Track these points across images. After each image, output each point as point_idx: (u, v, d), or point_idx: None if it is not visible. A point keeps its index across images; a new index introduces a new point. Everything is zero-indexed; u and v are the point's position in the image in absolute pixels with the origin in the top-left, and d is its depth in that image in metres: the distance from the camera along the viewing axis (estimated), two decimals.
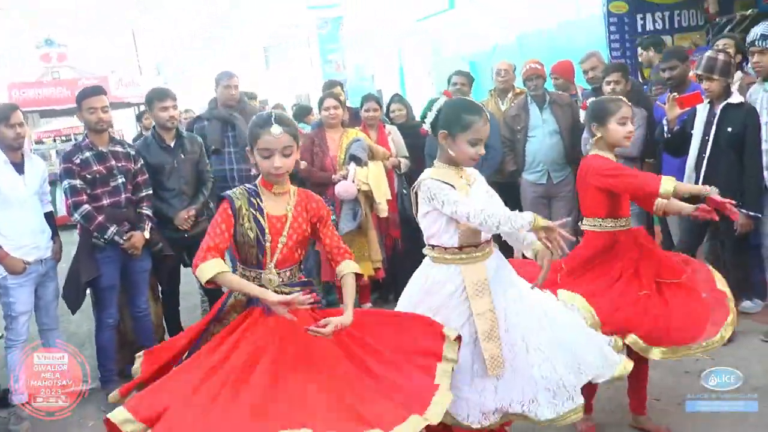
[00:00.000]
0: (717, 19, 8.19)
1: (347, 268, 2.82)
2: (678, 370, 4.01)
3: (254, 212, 2.71)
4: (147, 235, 4.55)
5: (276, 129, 2.64)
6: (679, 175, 4.39)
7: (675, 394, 3.75)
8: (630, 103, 3.41)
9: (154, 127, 5.00)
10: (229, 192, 2.77)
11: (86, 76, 18.34)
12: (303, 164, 5.50)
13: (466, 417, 2.76)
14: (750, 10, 8.01)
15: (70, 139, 14.27)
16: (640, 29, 8.12)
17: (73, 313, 4.64)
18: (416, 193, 2.87)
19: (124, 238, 4.44)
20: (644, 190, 3.21)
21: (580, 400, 2.81)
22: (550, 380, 2.75)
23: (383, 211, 5.71)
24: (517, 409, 2.75)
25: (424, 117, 3.02)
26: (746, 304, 4.73)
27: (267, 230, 2.70)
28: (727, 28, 7.93)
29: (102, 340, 4.56)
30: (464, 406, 2.76)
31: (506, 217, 2.59)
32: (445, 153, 2.84)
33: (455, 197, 2.72)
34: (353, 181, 5.54)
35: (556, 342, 2.83)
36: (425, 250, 2.94)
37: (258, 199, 2.74)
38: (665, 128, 4.28)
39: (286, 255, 2.73)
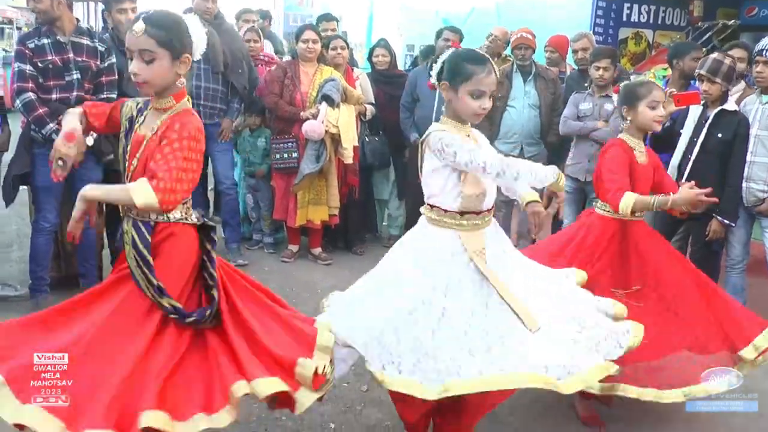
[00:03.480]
0: (699, 24, 8.25)
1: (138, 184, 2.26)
2: None
3: (127, 127, 2.42)
4: (90, 141, 4.03)
5: (138, 26, 2.26)
6: None
7: None
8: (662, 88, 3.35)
9: (112, 28, 4.58)
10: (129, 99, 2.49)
11: None
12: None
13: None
14: (732, 21, 8.10)
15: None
16: (625, 18, 8.15)
17: (6, 205, 4.31)
18: (422, 148, 2.67)
19: None
20: (611, 204, 3.16)
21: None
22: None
23: (349, 157, 5.49)
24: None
25: (431, 69, 2.83)
26: None
27: (129, 150, 2.37)
28: (708, 34, 8.00)
29: (36, 244, 4.21)
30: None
31: (527, 169, 2.45)
32: (450, 107, 2.68)
33: (470, 146, 2.55)
34: (322, 122, 5.29)
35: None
36: (423, 209, 2.74)
37: (140, 115, 2.41)
38: None
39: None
